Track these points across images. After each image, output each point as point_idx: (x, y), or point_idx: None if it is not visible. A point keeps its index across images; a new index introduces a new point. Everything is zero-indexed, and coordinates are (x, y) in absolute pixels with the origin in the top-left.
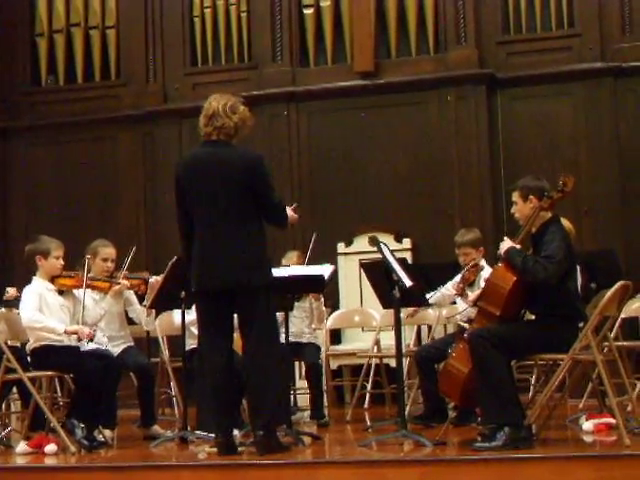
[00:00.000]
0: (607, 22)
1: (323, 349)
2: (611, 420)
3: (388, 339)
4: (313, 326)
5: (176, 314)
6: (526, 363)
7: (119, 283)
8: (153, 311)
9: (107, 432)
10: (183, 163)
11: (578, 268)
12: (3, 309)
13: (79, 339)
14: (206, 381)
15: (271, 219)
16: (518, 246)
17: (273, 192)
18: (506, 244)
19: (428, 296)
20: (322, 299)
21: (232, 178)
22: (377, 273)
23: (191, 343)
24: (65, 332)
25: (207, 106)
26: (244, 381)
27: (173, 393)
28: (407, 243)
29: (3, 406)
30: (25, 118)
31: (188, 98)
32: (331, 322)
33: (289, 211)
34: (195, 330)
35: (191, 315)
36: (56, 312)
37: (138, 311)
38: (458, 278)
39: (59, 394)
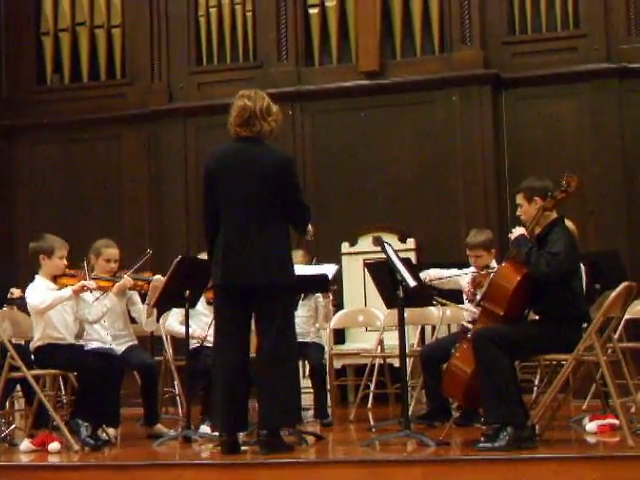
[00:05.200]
0: (613, 22)
1: (327, 349)
2: (615, 421)
3: (392, 339)
4: (317, 325)
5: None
6: (530, 363)
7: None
8: (154, 311)
9: (111, 431)
10: (214, 157)
11: (583, 269)
12: (5, 308)
13: (90, 290)
14: (218, 378)
15: (295, 219)
16: None
17: (301, 193)
18: (518, 231)
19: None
20: (331, 297)
21: (262, 176)
22: (381, 273)
23: (194, 342)
24: (73, 292)
25: (241, 105)
26: (254, 380)
27: (176, 392)
28: (411, 243)
29: (7, 404)
30: (30, 117)
31: (193, 97)
32: (335, 322)
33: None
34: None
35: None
36: (58, 311)
37: (140, 310)
38: (469, 277)
39: (63, 392)
